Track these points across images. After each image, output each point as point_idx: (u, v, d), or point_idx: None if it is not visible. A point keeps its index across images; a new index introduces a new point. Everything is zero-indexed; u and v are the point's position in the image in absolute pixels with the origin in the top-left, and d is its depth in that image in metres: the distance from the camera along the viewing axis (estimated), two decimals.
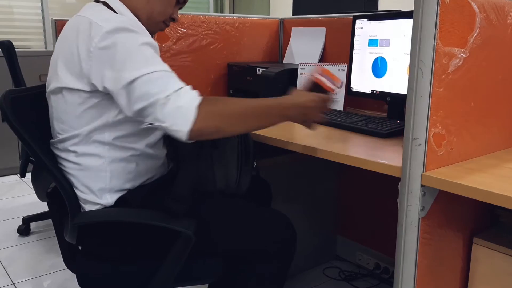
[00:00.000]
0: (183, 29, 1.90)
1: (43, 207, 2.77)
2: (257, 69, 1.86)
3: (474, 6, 0.99)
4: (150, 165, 1.22)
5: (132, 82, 1.00)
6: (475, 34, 1.00)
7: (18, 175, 3.40)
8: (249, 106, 1.09)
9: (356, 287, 1.91)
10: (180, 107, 0.98)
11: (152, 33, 1.29)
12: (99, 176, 1.14)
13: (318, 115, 1.17)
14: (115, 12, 1.16)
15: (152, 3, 1.21)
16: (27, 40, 3.73)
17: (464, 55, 0.99)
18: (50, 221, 2.56)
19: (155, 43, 1.10)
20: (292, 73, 1.79)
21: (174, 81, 1.02)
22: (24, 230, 2.42)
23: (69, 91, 1.10)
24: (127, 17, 1.16)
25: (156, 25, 1.27)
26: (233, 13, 4.95)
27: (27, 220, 2.45)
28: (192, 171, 1.17)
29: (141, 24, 1.18)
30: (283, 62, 2.17)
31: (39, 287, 1.92)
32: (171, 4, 1.25)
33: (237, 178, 1.20)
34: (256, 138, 1.38)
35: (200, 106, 0.99)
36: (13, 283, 1.94)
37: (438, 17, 0.90)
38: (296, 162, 1.88)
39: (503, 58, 1.11)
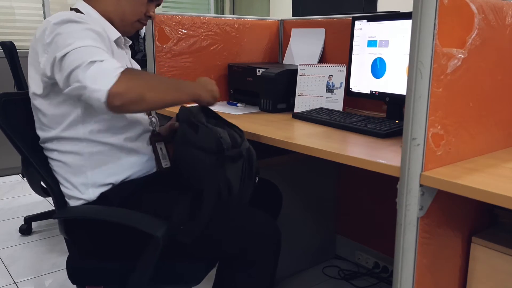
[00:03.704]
0: (183, 30, 1.91)
1: (44, 206, 2.78)
2: (257, 69, 1.87)
3: (473, 7, 0.99)
4: (134, 160, 1.24)
5: (66, 54, 1.05)
6: (474, 35, 1.01)
7: (20, 175, 3.41)
8: (167, 79, 1.17)
9: (356, 286, 1.92)
10: (103, 69, 1.02)
11: (128, 34, 1.32)
12: (81, 171, 1.19)
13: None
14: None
15: (122, 4, 1.24)
16: (28, 41, 3.74)
17: (462, 56, 0.99)
18: (51, 220, 2.57)
19: (103, 33, 1.15)
20: (292, 73, 1.79)
21: (104, 54, 1.06)
22: (25, 229, 2.43)
23: (38, 96, 1.17)
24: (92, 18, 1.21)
25: (131, 26, 1.30)
26: (233, 14, 4.96)
27: (28, 220, 2.45)
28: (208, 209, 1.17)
29: (104, 26, 1.22)
30: (283, 63, 2.18)
31: (40, 287, 1.93)
32: (143, 3, 1.27)
33: (239, 190, 1.21)
34: (256, 138, 1.39)
35: (124, 72, 1.03)
36: (15, 282, 1.95)
37: (436, 18, 0.91)
38: (296, 162, 1.89)
39: (502, 59, 1.11)
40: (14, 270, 2.05)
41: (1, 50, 2.46)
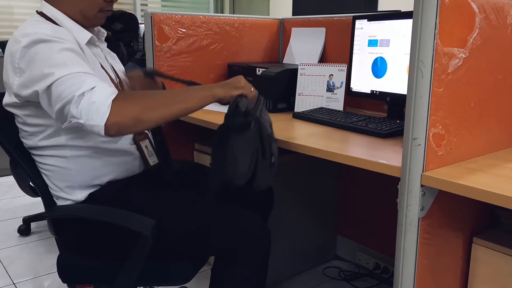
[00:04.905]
0: (183, 30, 1.90)
1: (43, 207, 2.77)
2: (257, 69, 1.86)
3: (474, 6, 0.99)
4: (119, 160, 1.24)
5: (49, 86, 1.03)
6: (475, 34, 1.01)
7: None
8: (167, 92, 1.12)
9: (356, 287, 1.91)
10: (93, 103, 1.00)
11: (99, 24, 1.28)
12: (66, 174, 1.19)
13: (249, 88, 1.18)
14: (52, 20, 1.18)
15: (75, 2, 1.20)
16: None
17: (464, 55, 0.99)
18: None
19: (76, 48, 1.11)
20: (292, 73, 1.79)
21: (91, 80, 1.03)
22: (24, 230, 2.42)
23: (12, 107, 1.16)
24: (58, 23, 1.18)
25: (94, 18, 1.23)
26: (233, 14, 4.95)
27: (27, 220, 2.45)
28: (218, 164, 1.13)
29: (68, 27, 1.18)
30: (283, 62, 2.17)
31: (39, 287, 1.92)
32: None
33: (252, 174, 1.12)
34: None
35: (114, 101, 1.01)
36: (14, 283, 1.95)
37: (437, 17, 0.90)
38: (296, 162, 1.88)
39: (503, 58, 1.11)
40: (12, 271, 2.05)
41: (0, 50, 2.45)
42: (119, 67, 1.40)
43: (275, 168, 1.18)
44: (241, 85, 1.17)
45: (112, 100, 1.00)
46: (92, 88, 1.01)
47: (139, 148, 1.29)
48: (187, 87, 1.16)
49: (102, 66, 1.24)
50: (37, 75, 1.05)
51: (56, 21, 1.18)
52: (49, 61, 1.05)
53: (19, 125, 1.19)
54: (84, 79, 1.03)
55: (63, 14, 1.20)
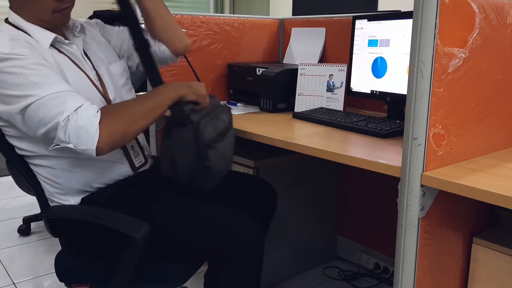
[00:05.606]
0: (183, 30, 1.90)
1: None
2: (257, 69, 1.86)
3: (474, 6, 0.99)
4: (108, 166, 1.24)
5: (25, 109, 1.03)
6: (475, 34, 1.01)
7: None
8: (142, 100, 1.17)
9: (356, 287, 1.91)
10: (81, 127, 1.01)
11: (61, 24, 1.23)
12: (56, 183, 1.20)
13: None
14: (18, 27, 1.16)
15: (29, 9, 1.16)
16: None
17: (464, 55, 0.99)
18: None
19: (44, 61, 1.09)
20: (292, 73, 1.79)
21: (72, 100, 1.04)
22: (24, 230, 2.42)
23: None
24: (23, 29, 1.15)
25: (52, 19, 1.18)
26: (233, 14, 4.95)
27: (27, 220, 2.45)
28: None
29: (31, 32, 1.15)
30: (283, 62, 2.17)
31: (39, 287, 1.92)
32: None
33: (190, 174, 1.20)
34: (256, 139, 1.38)
35: (101, 122, 1.04)
36: (14, 283, 1.95)
37: (437, 17, 0.90)
38: (296, 162, 1.89)
39: (503, 58, 1.11)
40: (12, 271, 2.05)
41: None
42: (109, 53, 1.35)
43: (212, 172, 1.22)
44: (200, 93, 1.23)
45: (99, 122, 1.03)
46: (76, 110, 1.02)
47: (126, 152, 1.28)
48: (155, 90, 1.20)
49: (78, 66, 1.21)
50: (9, 96, 1.04)
51: (21, 28, 1.16)
52: (20, 80, 1.03)
53: (6, 136, 1.18)
54: (63, 100, 1.03)
55: (25, 21, 1.17)
